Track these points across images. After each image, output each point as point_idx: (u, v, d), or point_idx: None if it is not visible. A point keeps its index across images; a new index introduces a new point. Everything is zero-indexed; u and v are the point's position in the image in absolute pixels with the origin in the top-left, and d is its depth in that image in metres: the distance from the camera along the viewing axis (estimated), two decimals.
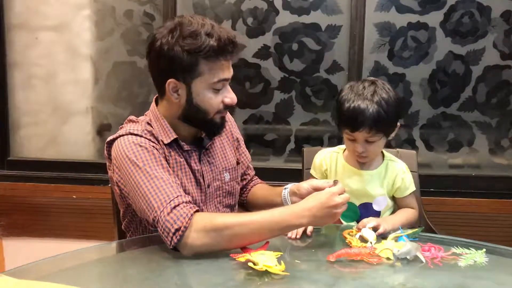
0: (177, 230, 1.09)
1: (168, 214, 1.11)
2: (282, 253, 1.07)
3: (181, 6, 2.29)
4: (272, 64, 2.29)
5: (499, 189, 2.22)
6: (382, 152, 1.47)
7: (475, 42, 2.20)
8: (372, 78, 1.42)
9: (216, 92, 1.25)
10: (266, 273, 0.98)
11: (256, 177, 1.60)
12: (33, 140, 2.48)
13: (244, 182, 1.55)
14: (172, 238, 1.10)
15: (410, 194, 1.44)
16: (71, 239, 2.37)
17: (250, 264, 0.99)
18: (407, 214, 1.42)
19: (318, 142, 2.31)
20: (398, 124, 1.41)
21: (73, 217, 2.38)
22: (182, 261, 1.09)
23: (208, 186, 1.36)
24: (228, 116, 1.49)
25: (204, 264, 1.06)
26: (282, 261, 1.01)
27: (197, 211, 1.14)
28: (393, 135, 1.42)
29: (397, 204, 1.47)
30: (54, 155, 2.46)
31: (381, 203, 1.43)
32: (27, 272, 1.00)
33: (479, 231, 2.13)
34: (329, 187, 1.18)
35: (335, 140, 2.30)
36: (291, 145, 2.34)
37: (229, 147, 1.47)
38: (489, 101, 2.24)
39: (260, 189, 1.54)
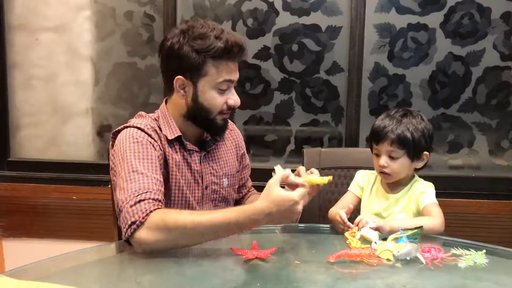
0: (132, 223, 1.09)
1: (130, 206, 1.12)
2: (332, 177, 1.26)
3: (181, 7, 2.29)
4: (272, 65, 2.29)
5: (499, 190, 2.22)
6: (413, 176, 1.49)
7: (475, 43, 2.20)
8: (411, 109, 1.48)
9: (221, 93, 1.29)
10: (266, 274, 0.98)
11: (253, 188, 1.63)
12: (33, 141, 2.48)
13: (243, 193, 1.58)
14: (127, 230, 1.10)
15: (428, 204, 1.40)
16: (71, 239, 2.37)
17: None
18: (418, 218, 1.37)
19: (318, 143, 2.31)
20: (427, 153, 1.44)
21: (73, 218, 2.38)
22: (182, 262, 1.09)
23: (206, 188, 1.38)
24: (234, 127, 1.54)
25: (204, 265, 1.06)
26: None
27: (159, 208, 1.13)
28: (420, 165, 1.45)
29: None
30: (54, 156, 2.45)
31: None
32: (27, 273, 1.00)
33: (479, 232, 2.13)
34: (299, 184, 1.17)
35: (335, 141, 2.30)
36: (291, 146, 2.34)
37: (232, 155, 1.49)
38: (489, 102, 2.24)
39: (255, 198, 1.52)
